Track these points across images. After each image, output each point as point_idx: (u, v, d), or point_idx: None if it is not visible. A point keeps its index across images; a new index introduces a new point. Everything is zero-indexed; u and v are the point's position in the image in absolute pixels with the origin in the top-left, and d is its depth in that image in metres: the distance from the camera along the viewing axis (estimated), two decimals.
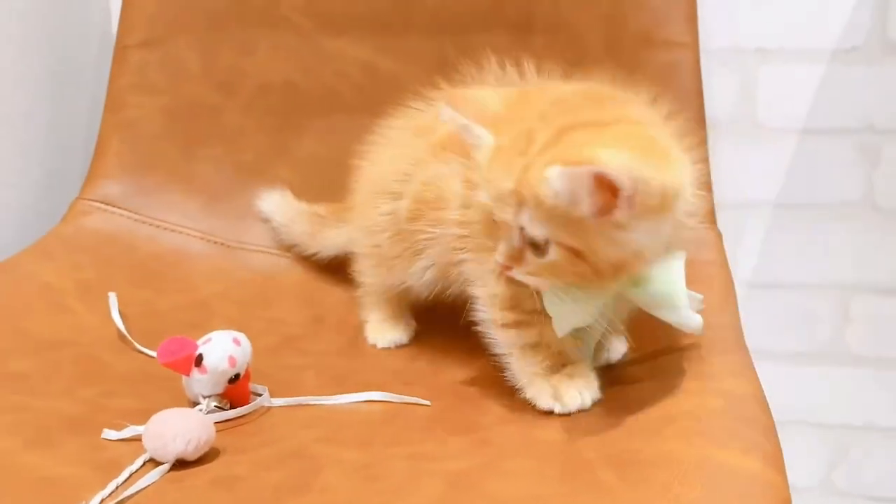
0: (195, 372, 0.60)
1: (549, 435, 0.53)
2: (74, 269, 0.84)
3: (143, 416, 0.60)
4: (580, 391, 0.56)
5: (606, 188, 0.47)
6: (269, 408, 0.63)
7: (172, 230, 0.93)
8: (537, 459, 0.50)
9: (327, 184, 0.96)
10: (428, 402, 0.62)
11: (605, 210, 0.48)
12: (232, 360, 0.60)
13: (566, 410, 0.56)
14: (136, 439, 0.56)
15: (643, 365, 0.62)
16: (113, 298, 0.78)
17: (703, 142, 0.82)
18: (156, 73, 0.94)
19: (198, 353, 0.59)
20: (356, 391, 0.65)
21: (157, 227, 0.93)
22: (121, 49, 0.94)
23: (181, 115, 0.94)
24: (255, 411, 0.61)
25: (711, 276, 0.75)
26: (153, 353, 0.72)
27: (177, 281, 0.88)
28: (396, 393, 0.63)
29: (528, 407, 0.59)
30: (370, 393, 0.64)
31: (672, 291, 0.53)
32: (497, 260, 0.53)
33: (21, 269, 0.83)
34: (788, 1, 0.97)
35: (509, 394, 0.62)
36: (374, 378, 0.69)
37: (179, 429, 0.52)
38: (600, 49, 0.84)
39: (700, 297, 0.56)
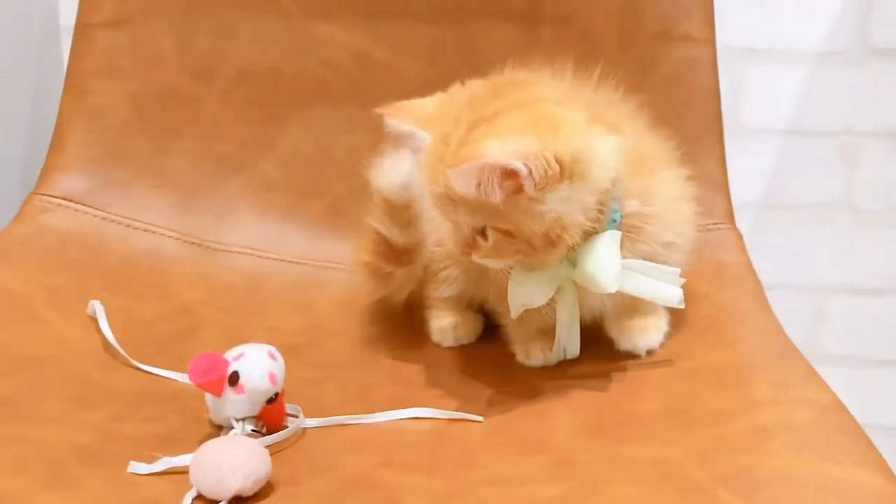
0: (229, 392, 0.53)
1: (635, 452, 0.50)
2: (41, 274, 0.75)
3: (164, 444, 0.53)
4: (543, 350, 0.63)
5: (507, 173, 0.51)
6: (304, 430, 0.56)
7: (145, 230, 0.84)
8: (640, 483, 0.46)
9: (314, 180, 0.90)
10: (480, 418, 0.57)
11: (517, 190, 0.52)
12: (272, 378, 0.53)
13: (531, 363, 0.64)
14: (173, 472, 0.49)
15: (701, 372, 0.59)
16: (99, 307, 0.69)
17: (720, 140, 0.81)
18: (125, 57, 0.85)
19: (232, 370, 0.52)
20: (384, 407, 0.60)
21: (128, 226, 0.84)
22: (83, 27, 0.85)
23: (153, 103, 0.86)
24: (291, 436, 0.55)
25: (740, 278, 0.73)
26: (151, 370, 0.64)
27: (154, 286, 0.79)
28: (434, 408, 0.58)
29: (586, 414, 0.56)
30: (416, 409, 0.58)
31: (597, 268, 0.56)
32: (455, 249, 0.58)
33: None
34: (777, 2, 0.98)
35: (559, 406, 0.59)
36: (398, 392, 0.64)
37: (238, 461, 0.45)
38: (614, 43, 0.81)
39: (677, 270, 0.59)
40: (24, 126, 0.95)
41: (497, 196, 0.52)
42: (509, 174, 0.52)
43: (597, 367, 0.64)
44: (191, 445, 0.54)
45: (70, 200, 0.83)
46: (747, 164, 1.00)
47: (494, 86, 0.58)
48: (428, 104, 0.59)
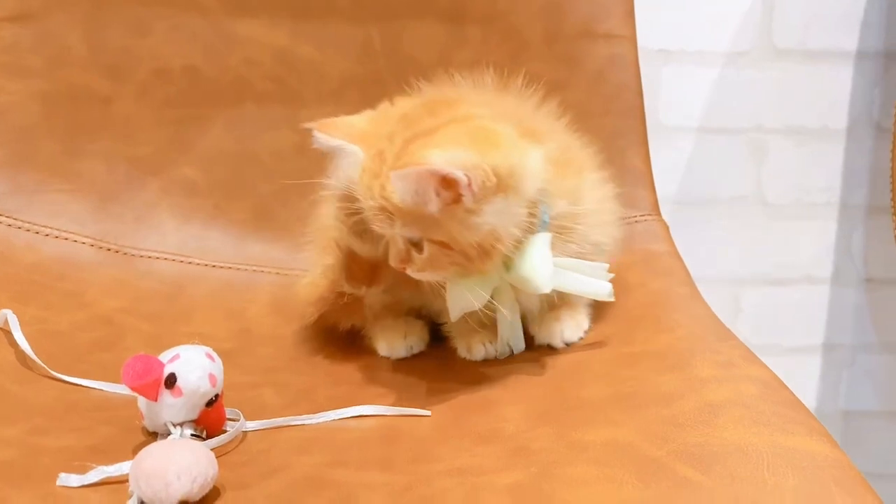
0: (166, 395, 0.50)
1: (588, 436, 0.50)
2: None
3: (95, 455, 0.50)
4: (485, 344, 0.64)
5: (447, 183, 0.53)
6: (245, 434, 0.54)
7: (57, 237, 0.79)
8: (598, 464, 0.46)
9: (237, 181, 0.87)
10: (428, 413, 0.56)
11: (455, 201, 0.53)
12: (212, 379, 0.51)
13: (473, 358, 0.64)
14: (108, 483, 0.45)
15: (644, 356, 0.60)
16: (11, 316, 0.64)
17: (643, 134, 0.82)
18: (30, 54, 0.80)
19: (168, 372, 0.50)
20: (327, 408, 0.58)
21: (38, 233, 0.79)
22: None
23: (62, 103, 0.81)
24: (232, 439, 0.52)
25: (670, 267, 0.75)
26: (74, 380, 0.60)
27: (69, 296, 0.75)
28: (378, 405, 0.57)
29: (534, 403, 0.56)
30: (362, 407, 0.57)
31: (530, 270, 0.58)
32: (391, 264, 0.58)
33: None
34: (687, 4, 1.01)
35: (505, 396, 0.58)
36: (339, 393, 0.62)
37: (183, 464, 0.42)
38: (539, 41, 0.82)
39: (605, 265, 0.62)
40: None
41: (434, 205, 0.53)
42: (449, 183, 0.53)
43: (537, 357, 0.64)
44: (125, 455, 0.50)
45: None
46: (664, 161, 1.03)
47: (427, 104, 0.59)
48: (357, 121, 0.60)
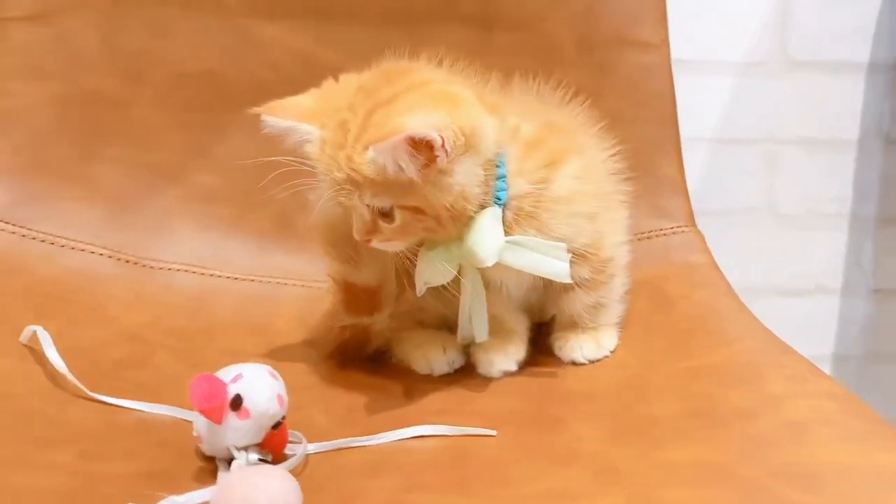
0: (231, 418, 0.47)
1: (673, 456, 0.48)
2: None
3: (154, 482, 0.47)
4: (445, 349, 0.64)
5: (422, 146, 0.53)
6: (307, 457, 0.51)
7: (73, 248, 0.75)
8: (695, 486, 0.44)
9: (258, 189, 0.84)
10: (493, 432, 0.54)
11: (429, 163, 0.54)
12: (280, 400, 0.48)
13: (435, 373, 0.64)
14: None
15: (706, 371, 0.59)
16: (42, 333, 0.60)
17: (677, 143, 0.81)
18: (46, 55, 0.76)
19: (234, 393, 0.47)
20: (379, 427, 0.55)
21: (53, 244, 0.75)
22: None
23: (78, 106, 0.77)
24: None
25: (711, 278, 0.73)
26: (112, 401, 0.57)
27: (91, 310, 0.71)
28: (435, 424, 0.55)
29: (602, 422, 0.54)
30: (423, 427, 0.54)
31: (475, 243, 0.57)
32: (356, 237, 0.58)
33: None
34: (703, 15, 1.01)
35: (568, 415, 0.57)
36: (389, 410, 0.59)
37: (272, 492, 0.40)
38: (571, 48, 0.81)
39: (563, 245, 0.60)
40: None
41: (413, 171, 0.53)
42: (424, 146, 0.53)
43: (591, 372, 0.63)
44: (185, 482, 0.48)
45: None
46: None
47: (382, 73, 0.60)
48: (304, 100, 0.60)
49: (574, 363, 0.64)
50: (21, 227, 0.74)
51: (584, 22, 0.80)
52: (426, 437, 0.54)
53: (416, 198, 0.55)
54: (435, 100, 0.56)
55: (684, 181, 0.82)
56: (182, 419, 0.55)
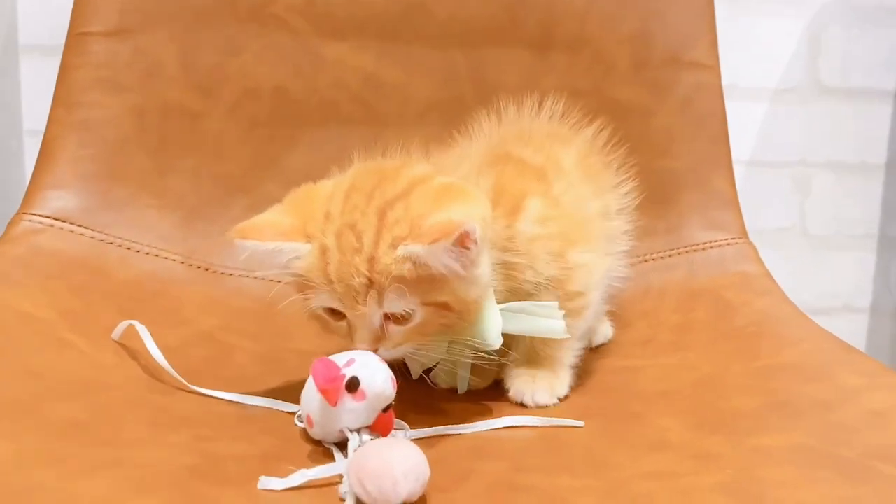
0: (347, 400, 0.49)
1: (766, 442, 0.50)
2: (49, 298, 0.67)
3: (274, 463, 0.48)
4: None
5: (462, 239, 0.51)
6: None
7: (147, 253, 0.78)
8: (795, 465, 0.47)
9: None
10: (581, 423, 0.56)
11: (462, 255, 0.52)
12: (393, 382, 0.50)
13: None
14: (311, 486, 0.44)
15: (778, 369, 0.61)
16: (141, 328, 0.62)
17: (728, 159, 0.85)
18: (125, 69, 0.79)
19: (350, 376, 0.49)
20: (468, 419, 0.57)
21: (129, 249, 0.77)
22: (78, 36, 0.79)
23: (153, 118, 0.80)
24: None
25: (768, 287, 0.76)
26: (212, 393, 0.59)
27: (167, 312, 0.73)
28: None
29: (684, 415, 0.56)
30: (515, 418, 0.57)
31: (482, 329, 0.56)
32: (359, 348, 0.54)
33: None
34: (737, 43, 1.05)
35: (648, 410, 0.59)
36: (473, 406, 0.61)
37: (409, 463, 0.42)
38: (626, 68, 0.85)
39: (555, 304, 0.58)
40: None
41: (459, 265, 0.52)
42: (463, 239, 0.51)
43: (657, 375, 0.65)
44: (301, 462, 0.50)
45: (63, 220, 0.76)
46: None
47: (374, 172, 0.57)
48: (277, 217, 0.57)
49: (523, 405, 0.60)
50: (100, 231, 0.77)
51: (639, 43, 0.84)
52: (516, 428, 0.57)
53: (445, 293, 0.53)
54: (449, 195, 0.54)
55: (736, 195, 0.85)
56: (280, 411, 0.57)
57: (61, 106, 0.78)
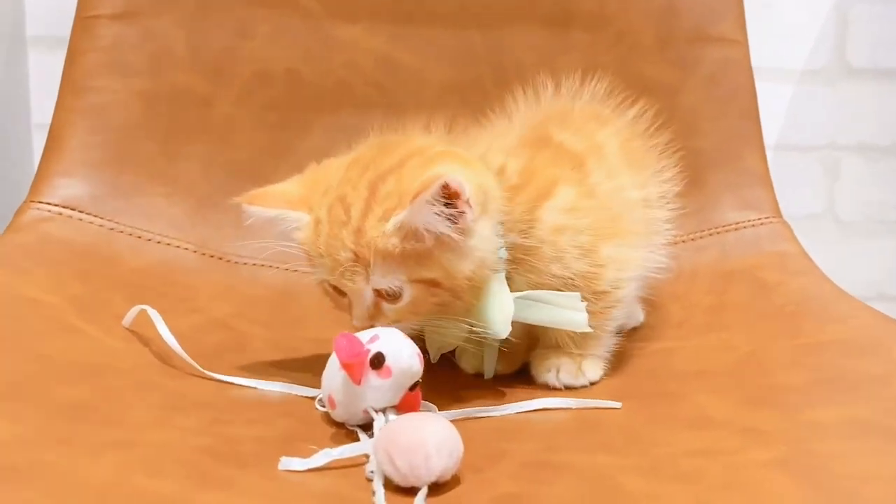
0: (372, 377, 0.46)
1: (817, 416, 0.47)
2: (57, 284, 0.65)
3: (291, 444, 0.45)
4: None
5: (452, 198, 0.49)
6: None
7: (159, 242, 0.75)
8: (855, 439, 0.43)
9: None
10: (618, 405, 0.53)
11: (456, 219, 0.50)
12: (420, 358, 0.47)
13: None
14: (333, 467, 0.42)
15: (825, 345, 0.58)
16: (153, 312, 0.60)
17: (759, 137, 0.82)
18: (133, 53, 0.77)
19: (375, 351, 0.46)
20: (496, 402, 0.54)
21: (139, 237, 0.75)
22: (86, 20, 0.76)
23: (163, 103, 0.78)
24: None
25: (805, 267, 0.73)
26: (228, 378, 0.56)
27: (180, 301, 0.70)
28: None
29: (727, 392, 0.53)
30: (547, 399, 0.53)
31: (488, 316, 0.53)
32: (355, 325, 0.53)
33: None
34: (762, 24, 1.02)
35: (688, 389, 0.56)
36: (503, 390, 0.58)
37: (441, 437, 0.39)
38: (651, 45, 0.81)
39: (577, 295, 0.55)
40: None
41: (443, 225, 0.49)
42: (454, 196, 0.49)
43: (694, 355, 0.62)
44: (323, 443, 0.47)
45: (72, 209, 0.73)
46: None
47: (375, 146, 0.56)
48: (289, 187, 0.57)
49: (547, 386, 0.57)
50: (109, 220, 0.74)
51: (663, 18, 0.81)
52: (549, 411, 0.53)
53: (433, 269, 0.51)
54: (447, 159, 0.53)
55: (768, 173, 0.82)
56: (299, 395, 0.54)
57: (69, 92, 0.76)
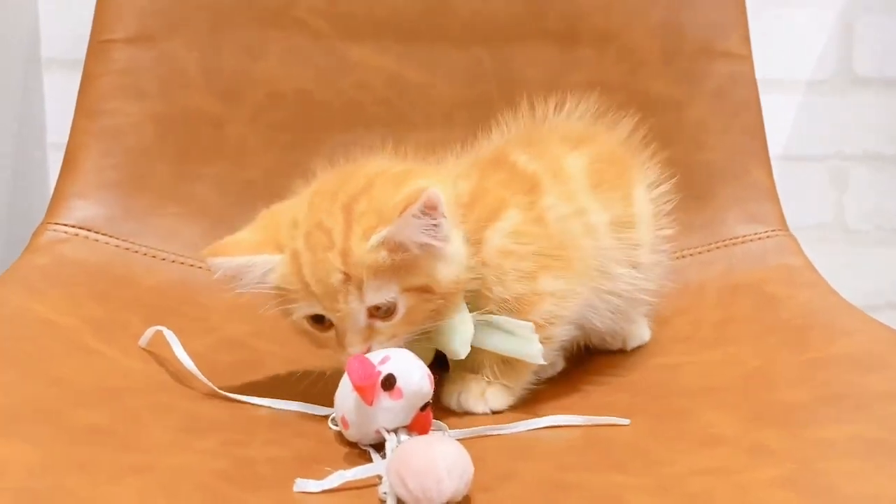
0: (384, 398, 0.47)
1: (825, 434, 0.48)
2: (74, 306, 0.66)
3: (309, 465, 0.46)
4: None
5: (430, 209, 0.51)
6: None
7: (173, 261, 0.76)
8: (863, 458, 0.44)
9: None
10: (627, 421, 0.54)
11: (435, 229, 0.51)
12: (431, 379, 0.48)
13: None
14: (347, 488, 0.42)
15: (830, 361, 0.58)
16: (169, 333, 0.61)
17: (765, 150, 0.82)
18: (147, 76, 0.78)
19: (386, 373, 0.47)
20: (501, 421, 0.55)
21: (154, 257, 0.76)
22: (100, 44, 0.78)
23: (176, 125, 0.79)
24: None
25: (812, 280, 0.74)
26: (244, 398, 0.57)
27: (194, 320, 0.71)
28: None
29: (734, 409, 0.54)
30: (556, 417, 0.54)
31: (448, 336, 0.54)
32: (351, 352, 0.52)
33: (9, 303, 0.63)
34: (768, 34, 1.03)
35: (694, 406, 0.56)
36: (506, 412, 0.59)
37: (451, 459, 0.39)
38: (657, 60, 0.82)
39: (529, 325, 0.54)
40: (7, 161, 0.86)
41: (432, 234, 0.51)
42: (430, 210, 0.50)
43: (701, 370, 0.63)
44: (337, 464, 0.47)
45: (88, 230, 0.75)
46: None
47: (336, 176, 0.57)
48: (245, 235, 0.57)
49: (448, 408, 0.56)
50: (125, 240, 0.75)
51: (669, 34, 0.82)
52: (558, 428, 0.54)
53: (423, 275, 0.52)
54: (410, 176, 0.54)
55: (774, 186, 0.82)
56: (313, 414, 0.55)
57: (84, 115, 0.77)
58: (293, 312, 0.54)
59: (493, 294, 0.55)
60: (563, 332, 0.58)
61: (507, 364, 0.56)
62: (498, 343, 0.55)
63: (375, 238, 0.50)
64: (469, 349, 0.54)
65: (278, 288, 0.54)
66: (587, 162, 0.61)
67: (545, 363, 0.55)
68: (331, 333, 0.54)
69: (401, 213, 0.50)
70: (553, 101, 0.67)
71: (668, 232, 0.64)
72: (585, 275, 0.57)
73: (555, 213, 0.57)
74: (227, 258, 0.55)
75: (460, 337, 0.54)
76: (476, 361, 0.57)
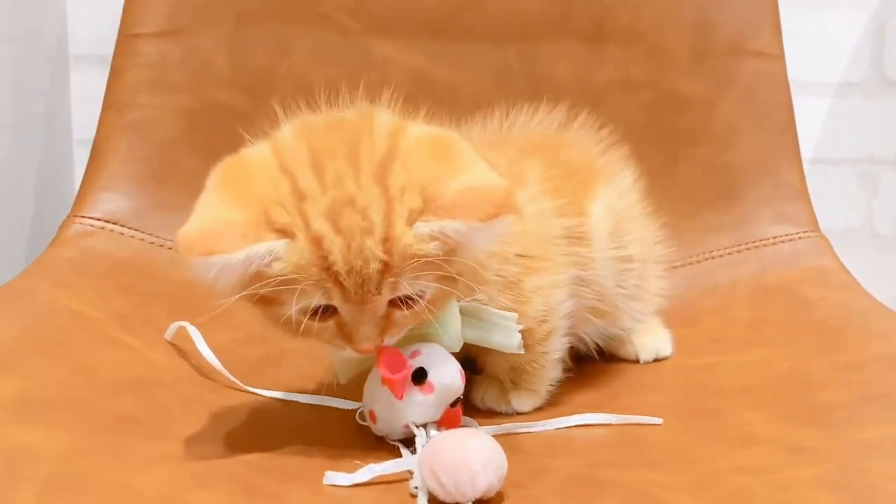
0: (415, 393, 0.46)
1: (865, 435, 0.47)
2: (100, 299, 0.66)
3: (334, 458, 0.46)
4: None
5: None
6: None
7: None
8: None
9: None
10: (660, 420, 0.53)
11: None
12: (462, 374, 0.47)
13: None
14: (378, 482, 0.42)
15: (868, 362, 0.57)
16: (192, 329, 0.61)
17: (797, 151, 0.81)
18: (175, 70, 0.78)
19: (416, 367, 0.46)
20: (532, 418, 0.54)
21: None
22: (128, 38, 0.78)
23: (204, 119, 0.79)
24: None
25: (846, 282, 0.73)
26: (269, 393, 0.57)
27: (220, 314, 0.70)
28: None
29: (768, 409, 0.53)
30: (588, 415, 0.53)
31: (442, 327, 0.49)
32: (366, 347, 0.46)
33: (37, 295, 0.63)
34: (799, 37, 1.01)
35: (727, 406, 0.55)
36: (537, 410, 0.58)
37: (485, 453, 0.39)
38: (686, 59, 0.81)
39: (514, 315, 0.51)
40: (34, 157, 0.86)
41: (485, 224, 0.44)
42: None
43: (736, 371, 0.62)
44: (366, 458, 0.47)
45: (114, 223, 0.75)
46: None
47: (335, 129, 0.49)
48: (226, 214, 0.46)
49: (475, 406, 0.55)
50: (150, 234, 0.75)
51: (698, 32, 0.81)
52: (590, 426, 0.53)
53: (456, 263, 0.45)
54: (444, 151, 0.47)
55: (806, 187, 0.81)
56: (340, 408, 0.55)
57: (111, 108, 0.78)
58: (286, 305, 0.44)
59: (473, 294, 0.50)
60: (562, 324, 0.55)
61: (516, 371, 0.55)
62: (478, 335, 0.50)
63: (425, 228, 0.43)
64: (462, 342, 0.49)
65: (284, 277, 0.43)
66: (541, 170, 0.57)
67: (521, 352, 0.51)
68: (329, 324, 0.45)
69: (487, 218, 0.43)
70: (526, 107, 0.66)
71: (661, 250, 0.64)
72: (562, 266, 0.54)
73: (529, 210, 0.53)
74: (223, 256, 0.44)
75: (451, 329, 0.49)
76: (492, 370, 0.55)
